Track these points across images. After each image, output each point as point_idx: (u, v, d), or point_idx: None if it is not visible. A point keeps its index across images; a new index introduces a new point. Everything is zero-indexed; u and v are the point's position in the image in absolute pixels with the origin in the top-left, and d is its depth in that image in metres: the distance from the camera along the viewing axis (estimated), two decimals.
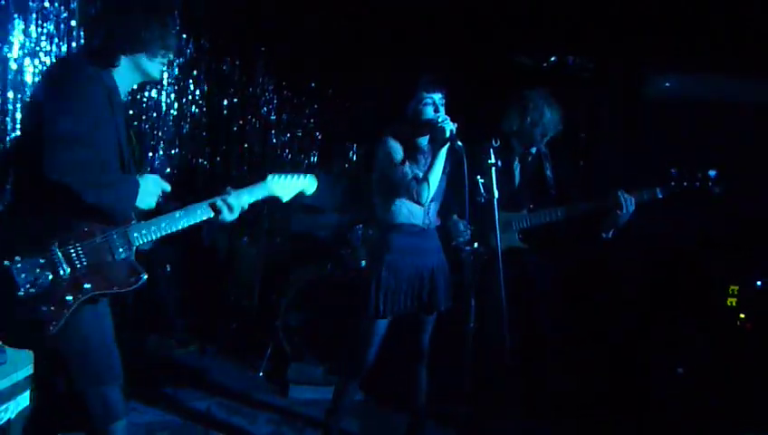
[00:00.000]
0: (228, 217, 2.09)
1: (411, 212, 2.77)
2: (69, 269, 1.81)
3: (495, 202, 2.39)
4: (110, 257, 1.89)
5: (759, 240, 3.98)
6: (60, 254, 1.80)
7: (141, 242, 1.95)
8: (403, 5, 4.42)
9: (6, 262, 1.74)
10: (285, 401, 3.70)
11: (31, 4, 3.38)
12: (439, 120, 2.59)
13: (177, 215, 2.01)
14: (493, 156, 2.40)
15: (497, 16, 4.32)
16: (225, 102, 4.94)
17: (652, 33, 4.09)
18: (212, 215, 2.07)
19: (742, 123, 4.14)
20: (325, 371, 3.97)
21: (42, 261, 1.77)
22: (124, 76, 2.02)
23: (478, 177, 2.50)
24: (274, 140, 5.25)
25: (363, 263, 4.15)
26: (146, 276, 1.93)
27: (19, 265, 1.75)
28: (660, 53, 4.20)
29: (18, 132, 3.38)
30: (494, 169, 2.40)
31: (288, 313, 4.07)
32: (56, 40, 3.55)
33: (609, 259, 4.01)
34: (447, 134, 2.55)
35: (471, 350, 2.46)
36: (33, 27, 3.41)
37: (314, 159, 5.31)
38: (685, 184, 2.87)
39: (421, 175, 2.68)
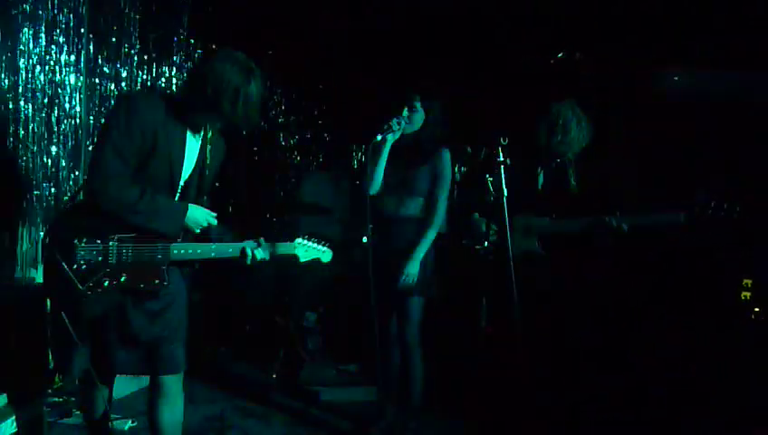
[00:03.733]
0: (249, 263, 2.40)
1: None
2: (115, 260, 2.19)
3: (505, 201, 2.39)
4: (149, 261, 2.24)
5: None
6: (115, 247, 2.18)
7: (179, 256, 2.28)
8: (410, 6, 4.42)
9: (75, 240, 2.15)
10: (300, 402, 3.72)
11: (40, 12, 3.42)
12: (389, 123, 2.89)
13: (212, 247, 2.35)
14: (501, 154, 2.40)
15: (503, 15, 4.31)
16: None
17: (660, 29, 4.07)
18: (237, 256, 2.39)
19: (752, 120, 4.11)
20: (339, 371, 3.99)
21: (99, 247, 2.17)
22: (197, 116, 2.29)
23: (487, 175, 2.51)
24: (283, 143, 5.27)
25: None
26: (167, 284, 2.25)
27: (82, 245, 2.15)
28: (668, 50, 4.18)
29: (35, 140, 3.44)
30: (502, 167, 2.40)
31: (300, 314, 4.09)
32: (66, 48, 3.58)
33: (619, 253, 3.99)
34: (384, 127, 2.86)
35: (482, 349, 2.46)
36: (42, 36, 3.45)
37: (322, 160, 5.33)
38: (710, 212, 2.86)
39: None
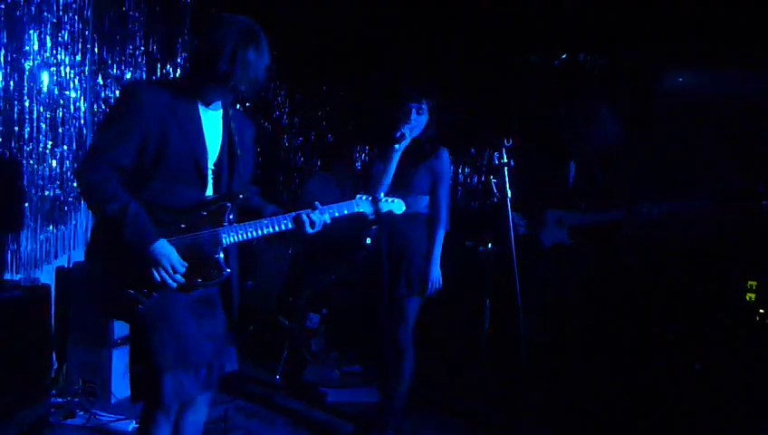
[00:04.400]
0: (309, 230, 2.23)
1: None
2: None
3: (509, 202, 2.39)
4: (200, 254, 2.10)
5: None
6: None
7: (229, 242, 2.14)
8: (413, 6, 4.42)
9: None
10: (302, 403, 3.72)
11: (45, 14, 3.43)
12: (401, 124, 2.91)
13: (264, 222, 2.19)
14: (505, 156, 2.40)
15: (508, 15, 4.31)
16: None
17: (664, 28, 4.06)
18: (293, 227, 2.22)
19: (757, 118, 4.09)
20: (342, 373, 3.99)
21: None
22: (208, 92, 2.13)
23: (491, 177, 2.51)
24: (286, 144, 5.28)
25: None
26: (228, 271, 2.14)
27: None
28: (673, 49, 4.17)
29: (39, 140, 3.44)
30: (506, 168, 2.40)
31: (304, 315, 4.09)
32: (71, 49, 3.60)
33: (624, 255, 3.99)
34: (397, 135, 2.88)
35: (486, 351, 2.46)
36: (48, 37, 3.46)
37: (324, 161, 5.33)
38: (736, 203, 2.98)
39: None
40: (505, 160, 2.40)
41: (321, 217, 2.26)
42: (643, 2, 4.01)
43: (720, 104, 4.18)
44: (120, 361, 3.42)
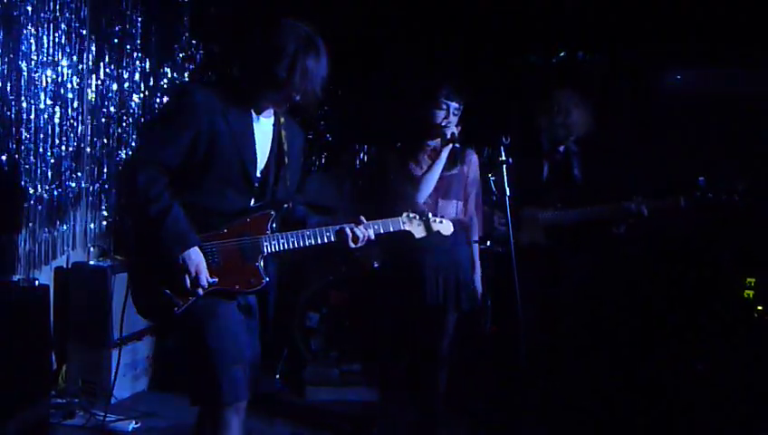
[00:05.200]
0: (351, 245, 2.20)
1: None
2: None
3: (508, 200, 2.39)
4: (240, 260, 2.06)
5: None
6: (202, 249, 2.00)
7: (270, 251, 2.11)
8: (412, 5, 4.42)
9: None
10: (302, 402, 3.72)
11: (42, 14, 3.42)
12: (443, 124, 2.72)
13: (307, 233, 2.17)
14: (504, 154, 2.40)
15: (506, 14, 4.31)
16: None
17: (663, 27, 4.06)
18: (335, 240, 2.19)
19: (755, 116, 4.10)
20: (342, 372, 3.99)
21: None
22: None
23: (490, 175, 2.51)
24: None
25: (376, 263, 4.15)
26: (267, 280, 2.10)
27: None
28: (671, 47, 4.17)
29: (37, 140, 3.43)
30: (505, 166, 2.40)
31: (304, 314, 4.08)
32: (68, 49, 3.59)
33: (623, 254, 4.00)
34: (448, 136, 2.68)
35: (488, 350, 2.46)
36: (45, 37, 3.44)
37: (324, 160, 5.32)
38: (710, 195, 2.87)
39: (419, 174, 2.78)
40: (504, 158, 2.40)
41: (366, 232, 2.22)
42: (643, 1, 4.01)
43: (720, 103, 4.19)
44: (120, 361, 3.41)
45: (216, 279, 2.01)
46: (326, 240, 2.17)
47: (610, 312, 4.01)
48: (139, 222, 2.03)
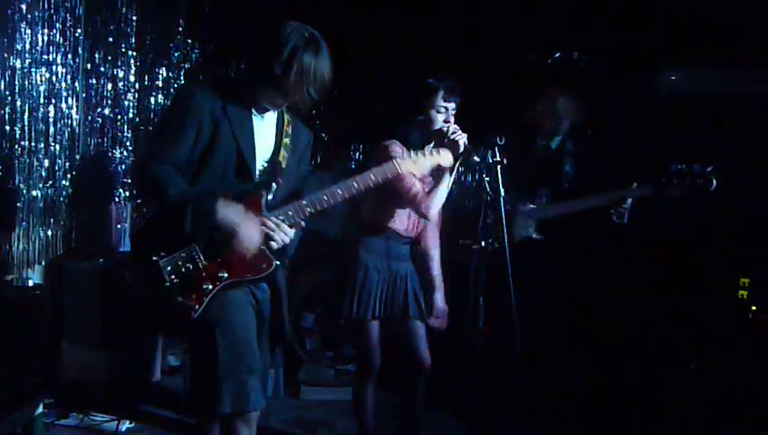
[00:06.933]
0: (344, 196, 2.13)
1: (398, 217, 2.76)
2: (206, 261, 1.98)
3: (502, 201, 2.38)
4: (243, 248, 1.99)
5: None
6: (198, 247, 1.98)
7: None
8: (407, 4, 4.42)
9: (155, 257, 1.95)
10: (297, 402, 3.71)
11: (36, 13, 3.41)
12: (450, 131, 2.51)
13: (304, 203, 2.08)
14: (498, 154, 2.39)
15: (501, 13, 4.31)
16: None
17: (658, 27, 4.07)
18: (332, 202, 2.10)
19: (749, 116, 4.11)
20: (337, 372, 3.99)
21: (183, 255, 1.96)
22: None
23: (484, 175, 2.49)
24: None
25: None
26: (278, 263, 2.05)
27: (164, 260, 1.95)
28: (666, 48, 4.18)
29: (26, 139, 3.42)
30: (499, 167, 2.39)
31: (298, 314, 4.08)
32: (62, 48, 3.58)
33: (615, 252, 4.00)
34: (461, 149, 2.48)
35: (481, 349, 2.45)
36: (39, 36, 3.44)
37: (320, 159, 5.32)
38: (674, 181, 2.84)
39: (427, 188, 2.64)
40: (498, 159, 2.38)
41: (363, 182, 2.14)
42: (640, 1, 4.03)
43: (718, 103, 4.20)
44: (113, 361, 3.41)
45: (226, 274, 1.99)
46: (324, 205, 2.11)
47: (602, 310, 4.02)
48: (163, 208, 2.00)
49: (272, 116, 2.18)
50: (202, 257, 1.98)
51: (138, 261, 2.00)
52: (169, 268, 1.95)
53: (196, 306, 1.96)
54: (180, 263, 1.96)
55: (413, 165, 2.25)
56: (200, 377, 2.05)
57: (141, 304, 2.03)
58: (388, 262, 2.75)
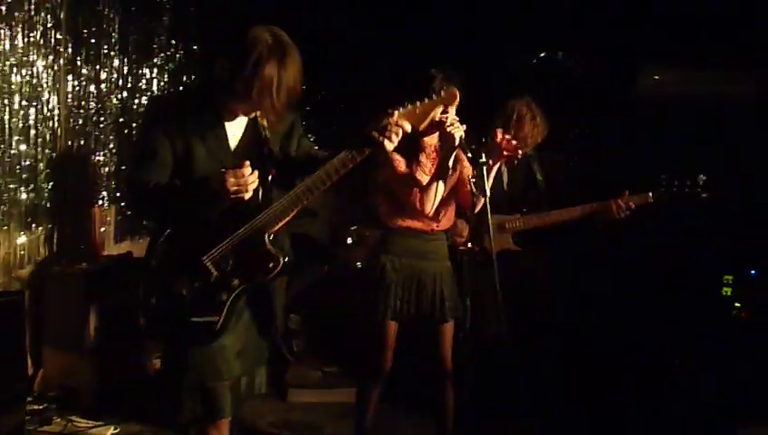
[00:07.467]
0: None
1: (413, 215, 2.71)
2: (217, 272, 1.99)
3: (487, 202, 2.38)
4: (249, 250, 1.99)
5: (752, 229, 4.00)
6: (208, 262, 1.99)
7: (268, 227, 2.00)
8: (395, 5, 4.43)
9: (173, 282, 1.97)
10: (285, 404, 3.70)
11: (17, 13, 3.36)
12: (448, 122, 2.43)
13: (299, 191, 2.02)
14: (483, 155, 2.39)
15: (486, 14, 4.33)
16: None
17: (642, 28, 4.11)
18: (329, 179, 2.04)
19: (733, 118, 4.16)
20: (324, 374, 3.97)
21: (194, 272, 1.98)
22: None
23: (470, 177, 2.49)
24: None
25: (359, 264, 4.15)
26: (284, 260, 2.02)
27: (179, 280, 1.98)
28: (650, 49, 4.22)
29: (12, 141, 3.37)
30: (485, 168, 2.38)
31: (286, 316, 4.06)
32: (43, 49, 3.53)
33: (601, 253, 4.03)
34: (457, 141, 2.44)
35: (468, 352, 2.45)
36: (19, 36, 3.38)
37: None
38: (674, 189, 2.99)
39: (425, 181, 2.63)
40: (484, 160, 2.38)
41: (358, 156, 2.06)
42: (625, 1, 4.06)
43: (700, 104, 4.24)
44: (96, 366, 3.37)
45: (237, 281, 1.99)
46: (322, 184, 2.02)
47: (588, 310, 4.05)
48: (160, 212, 2.03)
49: (242, 120, 2.12)
50: (213, 270, 1.98)
51: (152, 284, 2.01)
52: (184, 289, 1.98)
53: (217, 318, 1.98)
54: (194, 279, 1.98)
55: (414, 115, 2.11)
56: (168, 385, 2.08)
57: (150, 318, 2.03)
58: (409, 260, 2.70)
